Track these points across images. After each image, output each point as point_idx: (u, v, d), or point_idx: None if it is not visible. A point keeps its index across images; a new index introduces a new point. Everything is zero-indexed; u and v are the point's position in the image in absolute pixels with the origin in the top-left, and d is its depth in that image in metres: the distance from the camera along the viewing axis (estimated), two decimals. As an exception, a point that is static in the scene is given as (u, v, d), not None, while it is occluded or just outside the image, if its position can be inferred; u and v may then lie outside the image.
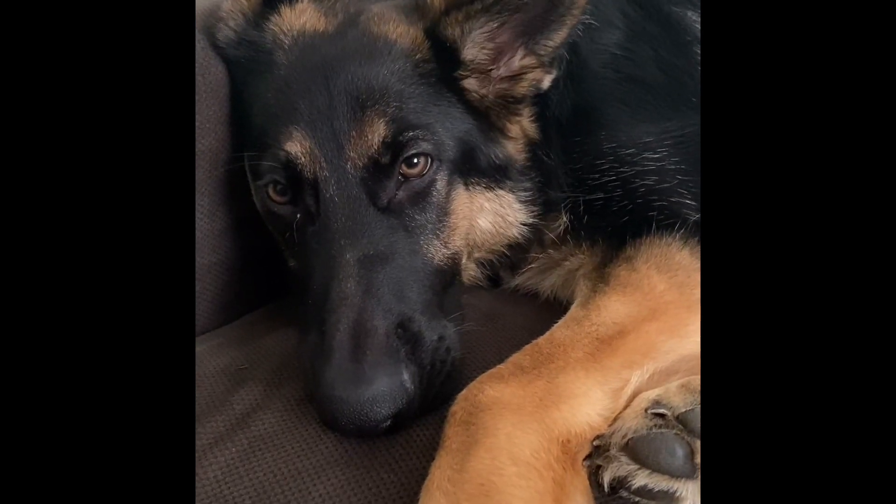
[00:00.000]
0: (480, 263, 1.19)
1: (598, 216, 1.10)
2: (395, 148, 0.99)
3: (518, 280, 1.20)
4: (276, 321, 1.16)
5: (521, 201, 1.13)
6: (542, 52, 1.09)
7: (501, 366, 0.87)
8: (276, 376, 0.99)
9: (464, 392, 0.83)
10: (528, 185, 1.14)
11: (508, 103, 1.12)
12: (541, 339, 0.91)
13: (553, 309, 1.15)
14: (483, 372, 0.96)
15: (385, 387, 0.82)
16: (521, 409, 0.77)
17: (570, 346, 0.87)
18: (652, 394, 0.81)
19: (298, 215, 1.00)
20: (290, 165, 0.99)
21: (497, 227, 1.13)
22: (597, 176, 1.12)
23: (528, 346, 0.90)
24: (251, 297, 1.25)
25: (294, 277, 1.05)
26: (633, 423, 0.77)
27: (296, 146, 0.99)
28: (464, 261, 1.11)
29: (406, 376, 0.84)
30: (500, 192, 1.11)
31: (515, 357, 0.88)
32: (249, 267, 1.23)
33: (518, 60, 1.11)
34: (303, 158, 0.98)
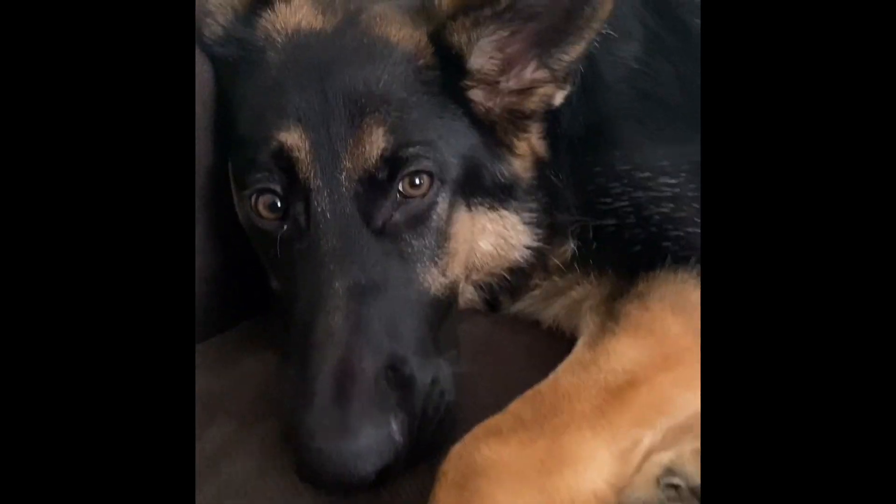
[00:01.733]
0: (479, 286, 1.11)
1: (608, 244, 1.02)
2: (395, 163, 0.91)
3: (518, 306, 1.12)
4: (256, 341, 1.08)
5: (525, 223, 1.05)
6: (556, 67, 1.01)
7: (500, 416, 0.79)
8: (253, 409, 0.91)
9: (457, 448, 0.75)
10: (533, 206, 1.05)
11: (516, 118, 1.04)
12: (543, 385, 0.84)
13: (555, 339, 1.08)
14: (479, 415, 0.88)
15: (371, 440, 0.74)
16: (521, 474, 0.70)
17: (576, 397, 0.80)
18: (665, 458, 0.74)
19: (285, 227, 0.92)
20: (283, 158, 0.91)
21: (498, 249, 1.05)
22: (608, 200, 1.04)
23: (529, 393, 0.83)
24: (232, 311, 1.16)
25: (277, 299, 0.97)
26: (644, 493, 0.70)
27: (291, 137, 0.90)
28: (461, 286, 1.03)
29: (395, 427, 0.76)
30: (504, 212, 1.03)
31: (515, 406, 0.80)
32: (229, 280, 1.14)
33: (529, 73, 1.02)
34: (298, 152, 0.90)
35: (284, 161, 0.90)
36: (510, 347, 1.05)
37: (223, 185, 1.03)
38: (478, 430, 0.77)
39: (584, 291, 1.04)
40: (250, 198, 0.94)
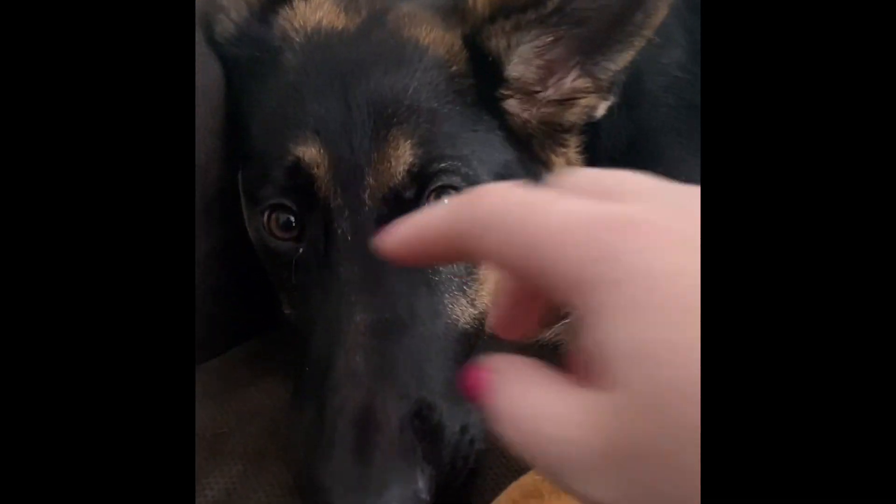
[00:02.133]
0: (503, 311, 1.02)
1: None
2: (423, 180, 0.82)
3: (547, 334, 1.03)
4: (263, 364, 1.00)
5: None
6: (601, 76, 0.92)
7: (537, 474, 0.71)
8: (260, 449, 0.82)
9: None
10: None
11: (555, 131, 0.95)
12: (586, 437, 0.75)
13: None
14: (506, 462, 0.81)
15: (396, 500, 0.65)
16: None
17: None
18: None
19: (301, 250, 0.83)
20: (300, 175, 0.82)
21: None
22: None
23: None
24: (236, 329, 1.08)
25: (290, 326, 0.88)
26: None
27: (309, 152, 0.81)
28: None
29: (421, 484, 0.68)
30: None
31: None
32: (235, 296, 1.05)
33: (570, 82, 0.93)
34: (316, 168, 0.81)
35: (301, 178, 0.82)
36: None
37: (232, 196, 0.95)
38: (513, 490, 0.69)
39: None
40: (262, 214, 0.85)
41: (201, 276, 0.99)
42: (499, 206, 0.36)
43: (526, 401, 0.34)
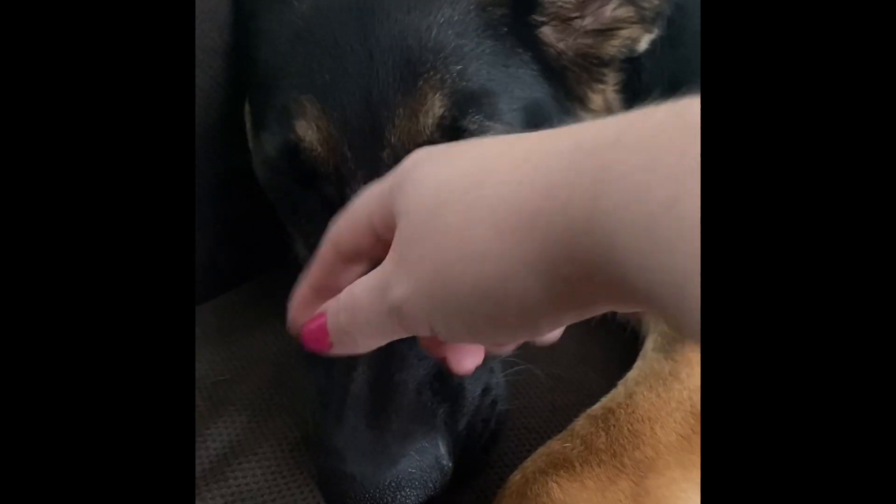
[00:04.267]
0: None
1: None
2: (452, 134, 0.72)
3: None
4: (268, 305, 0.93)
5: None
6: (645, 5, 0.83)
7: (566, 441, 0.66)
8: (265, 399, 0.77)
9: (518, 480, 0.62)
10: None
11: (592, 65, 0.86)
12: (614, 402, 0.70)
13: (610, 332, 0.94)
14: (528, 423, 0.76)
15: (415, 467, 0.60)
16: None
17: (658, 423, 0.66)
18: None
19: (316, 206, 0.75)
20: (298, 153, 0.73)
21: None
22: None
23: (599, 411, 0.69)
24: (239, 268, 1.02)
25: (300, 268, 0.81)
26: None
27: (310, 129, 0.72)
28: None
29: (442, 450, 0.63)
30: None
31: (585, 427, 0.67)
32: (238, 231, 0.99)
33: (611, 10, 0.84)
34: (319, 148, 0.72)
35: (306, 145, 0.72)
36: (559, 340, 0.91)
37: (239, 123, 0.87)
38: (541, 458, 0.64)
39: (652, 279, 0.90)
40: (271, 149, 0.77)
41: (201, 211, 0.92)
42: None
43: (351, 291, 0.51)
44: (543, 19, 0.82)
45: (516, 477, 0.63)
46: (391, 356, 0.64)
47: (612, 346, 0.89)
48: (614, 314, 0.94)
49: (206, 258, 0.97)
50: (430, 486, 0.61)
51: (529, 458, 0.65)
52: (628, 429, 0.66)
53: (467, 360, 0.57)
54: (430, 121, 0.71)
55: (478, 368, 0.69)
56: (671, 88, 0.91)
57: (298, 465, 0.69)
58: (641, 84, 0.91)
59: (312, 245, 0.78)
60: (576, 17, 0.84)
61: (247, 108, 0.84)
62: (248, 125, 0.85)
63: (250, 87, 0.82)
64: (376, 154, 0.71)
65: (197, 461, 0.70)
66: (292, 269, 0.87)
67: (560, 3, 0.82)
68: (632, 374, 0.75)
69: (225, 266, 1.00)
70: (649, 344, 0.80)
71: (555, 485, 0.60)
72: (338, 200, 0.72)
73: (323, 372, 0.67)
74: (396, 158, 0.71)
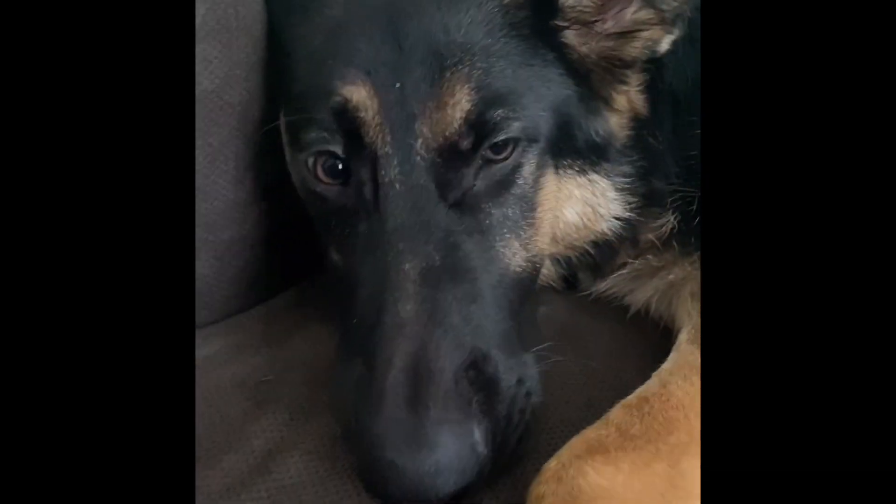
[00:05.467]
0: (556, 260, 0.97)
1: None
2: (480, 128, 0.76)
3: (601, 287, 0.98)
4: (307, 311, 0.97)
5: (617, 189, 0.90)
6: (665, 7, 0.85)
7: (602, 429, 0.67)
8: (306, 398, 0.80)
9: (554, 466, 0.63)
10: (627, 169, 0.91)
11: (615, 67, 0.88)
12: (649, 392, 0.71)
13: (643, 326, 0.95)
14: (561, 413, 0.77)
15: (452, 452, 0.62)
16: None
17: (692, 410, 0.67)
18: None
19: (349, 204, 0.79)
20: (346, 118, 0.77)
21: (585, 219, 0.90)
22: None
23: (634, 400, 0.70)
24: (279, 277, 1.05)
25: (337, 275, 0.84)
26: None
27: (358, 92, 0.76)
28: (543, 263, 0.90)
29: (478, 436, 0.64)
30: (595, 176, 0.89)
31: (619, 415, 0.68)
32: (278, 242, 1.02)
33: (631, 13, 0.86)
34: (365, 111, 0.76)
35: (348, 121, 0.77)
36: (593, 334, 0.92)
37: (275, 137, 0.91)
38: (577, 444, 0.65)
39: (684, 274, 0.91)
40: (307, 160, 0.81)
41: (239, 223, 0.96)
42: None
43: None
44: (565, 24, 0.85)
45: (552, 463, 0.64)
46: (427, 346, 0.67)
47: (646, 340, 0.90)
48: (648, 310, 0.95)
49: (246, 270, 1.01)
50: (468, 471, 0.62)
51: (565, 446, 0.66)
52: (663, 416, 0.66)
53: None
54: (457, 114, 0.75)
55: (512, 361, 0.72)
56: (693, 87, 0.94)
57: (339, 459, 0.71)
58: (665, 84, 0.92)
59: (345, 252, 0.81)
60: (596, 21, 0.86)
61: (282, 118, 0.87)
62: (284, 136, 0.88)
63: (285, 99, 0.86)
64: (408, 142, 0.75)
65: (242, 457, 0.72)
66: (328, 278, 0.91)
67: (580, 8, 0.85)
68: (666, 366, 0.76)
69: (263, 277, 1.04)
70: (683, 336, 0.81)
71: (590, 468, 0.61)
72: (370, 194, 0.75)
73: (361, 365, 0.70)
74: (427, 148, 0.75)
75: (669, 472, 0.61)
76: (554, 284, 1.00)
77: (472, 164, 0.77)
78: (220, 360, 0.86)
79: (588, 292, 0.99)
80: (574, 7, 0.84)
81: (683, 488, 0.60)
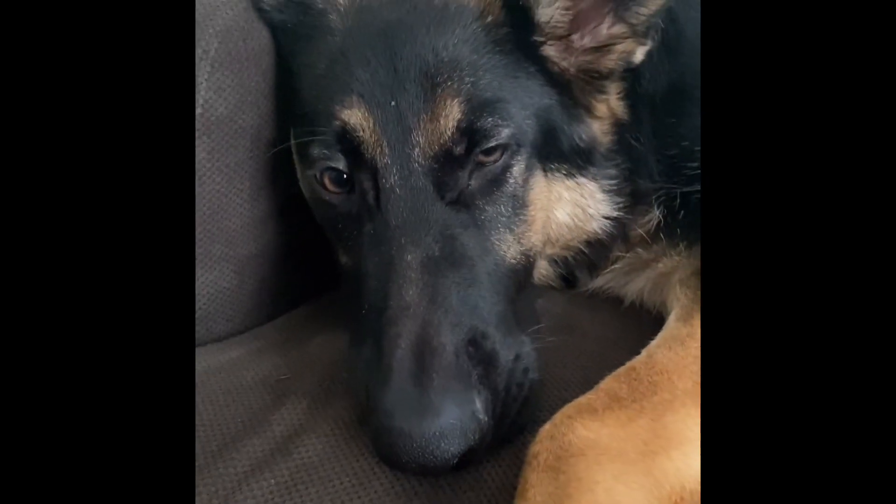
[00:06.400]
0: (553, 261, 1.04)
1: (697, 212, 0.94)
2: (471, 135, 0.84)
3: (598, 282, 1.05)
4: (323, 320, 1.04)
5: (604, 191, 0.98)
6: (635, 21, 0.93)
7: (591, 395, 0.72)
8: (323, 390, 0.86)
9: (548, 427, 0.69)
10: (613, 172, 0.98)
11: (593, 78, 0.96)
12: (637, 361, 0.76)
13: (638, 316, 1.00)
14: (562, 394, 0.82)
15: (454, 418, 0.68)
16: (623, 456, 0.63)
17: (675, 374, 0.72)
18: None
19: (354, 209, 0.87)
20: (346, 138, 0.85)
21: (576, 220, 0.98)
22: (695, 165, 0.96)
23: (622, 370, 0.75)
24: (296, 290, 1.12)
25: (346, 276, 0.92)
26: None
27: (355, 115, 0.85)
28: (537, 257, 0.97)
29: (478, 405, 0.70)
30: (582, 179, 0.96)
31: (608, 383, 0.73)
32: (294, 257, 1.10)
33: (606, 29, 0.94)
34: (362, 132, 0.84)
35: (348, 141, 0.85)
36: (591, 324, 0.98)
37: (287, 158, 0.99)
38: (569, 408, 0.70)
39: (673, 264, 0.97)
40: (315, 174, 0.90)
41: (257, 238, 1.04)
42: None
43: None
44: (543, 39, 0.93)
45: (546, 426, 0.69)
46: (429, 325, 0.73)
47: (639, 328, 0.95)
48: (641, 300, 1.01)
49: (263, 285, 1.08)
50: (470, 436, 0.68)
51: (559, 412, 0.71)
52: (648, 380, 0.72)
53: None
54: (450, 123, 0.83)
55: (509, 339, 0.78)
56: (670, 92, 1.01)
57: (355, 440, 0.77)
58: (642, 89, 1.00)
59: (352, 252, 0.89)
60: (571, 36, 0.94)
61: (292, 139, 0.96)
62: (295, 154, 0.97)
63: (294, 120, 0.94)
64: (407, 152, 0.83)
65: (264, 440, 0.78)
66: (342, 292, 0.98)
67: (553, 24, 0.93)
68: (654, 341, 0.81)
69: (278, 292, 1.11)
70: (672, 316, 0.87)
71: (579, 425, 0.66)
72: (373, 200, 0.83)
73: (371, 345, 0.76)
74: (424, 156, 0.83)
75: (653, 425, 0.66)
76: (553, 284, 1.07)
77: (465, 166, 0.85)
78: (242, 362, 0.93)
79: (585, 289, 1.06)
80: (548, 23, 0.92)
81: (665, 437, 0.65)
